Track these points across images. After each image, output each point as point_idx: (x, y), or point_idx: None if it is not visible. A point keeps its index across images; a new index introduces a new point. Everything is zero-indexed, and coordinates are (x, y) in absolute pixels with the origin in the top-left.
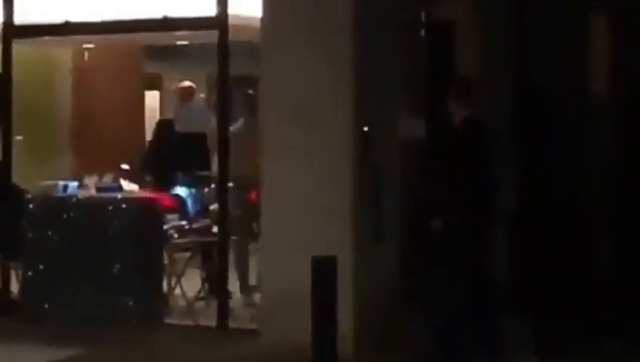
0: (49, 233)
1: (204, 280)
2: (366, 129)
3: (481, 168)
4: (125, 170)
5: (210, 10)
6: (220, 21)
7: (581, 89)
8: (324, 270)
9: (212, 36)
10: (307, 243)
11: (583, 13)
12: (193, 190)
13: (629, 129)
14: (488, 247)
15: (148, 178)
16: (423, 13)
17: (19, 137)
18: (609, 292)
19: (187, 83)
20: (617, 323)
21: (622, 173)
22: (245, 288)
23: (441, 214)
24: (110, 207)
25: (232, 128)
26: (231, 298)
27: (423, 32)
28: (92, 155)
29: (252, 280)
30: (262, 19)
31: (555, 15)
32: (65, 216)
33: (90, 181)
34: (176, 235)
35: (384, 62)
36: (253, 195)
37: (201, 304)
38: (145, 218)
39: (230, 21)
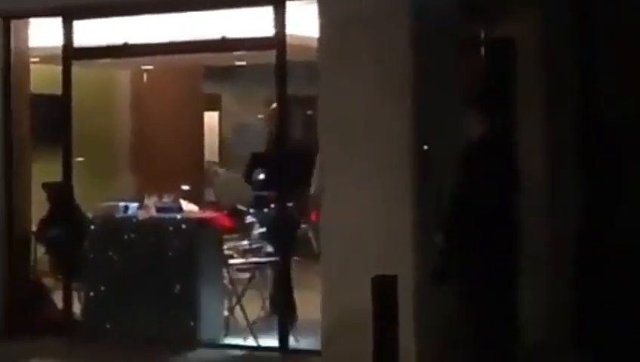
0: (110, 254)
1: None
2: (426, 148)
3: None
4: (185, 191)
5: (268, 30)
6: (278, 41)
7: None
8: (384, 290)
9: (270, 56)
10: (368, 264)
11: None
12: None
13: None
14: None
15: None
16: (482, 32)
17: (79, 158)
18: None
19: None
20: None
21: None
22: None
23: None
24: (170, 228)
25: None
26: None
27: (482, 51)
28: (152, 176)
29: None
30: (319, 40)
31: (621, 39)
32: (125, 236)
33: (150, 202)
34: (235, 255)
35: (443, 81)
36: (313, 215)
37: (262, 324)
38: (204, 238)
39: (288, 41)
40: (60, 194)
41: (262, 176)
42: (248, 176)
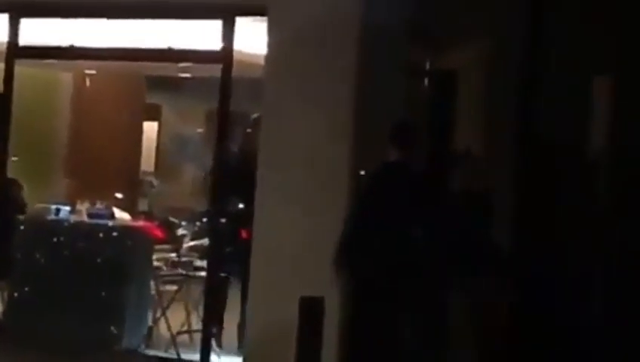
0: (38, 256)
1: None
2: (363, 173)
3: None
4: (119, 199)
5: (215, 44)
6: (225, 56)
7: (581, 146)
8: (311, 311)
9: (216, 70)
10: (295, 283)
11: (586, 73)
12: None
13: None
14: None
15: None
16: (427, 62)
17: (14, 158)
18: None
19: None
20: None
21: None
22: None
23: None
24: (101, 234)
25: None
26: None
27: (426, 81)
28: (86, 181)
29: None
30: (266, 57)
31: (560, 73)
32: (55, 239)
33: (83, 207)
34: (164, 267)
35: (385, 108)
36: (244, 233)
37: (185, 337)
38: (134, 247)
39: (235, 56)
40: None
41: None
42: None
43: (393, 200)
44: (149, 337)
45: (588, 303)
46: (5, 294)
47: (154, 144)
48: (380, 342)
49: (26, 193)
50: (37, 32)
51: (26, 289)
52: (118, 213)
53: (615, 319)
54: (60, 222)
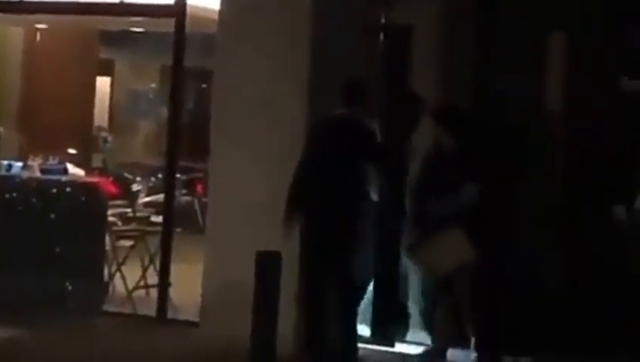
0: None
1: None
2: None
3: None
4: (72, 154)
5: None
6: (178, 10)
7: (536, 104)
8: (267, 265)
9: (169, 25)
10: (253, 239)
11: (543, 31)
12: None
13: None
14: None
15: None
16: (382, 17)
17: None
18: None
19: None
20: None
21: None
22: None
23: None
24: (54, 190)
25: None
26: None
27: (381, 36)
28: (38, 137)
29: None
30: (220, 12)
31: (516, 29)
32: (7, 196)
33: (35, 162)
34: (119, 223)
35: (341, 59)
36: (199, 188)
37: (141, 293)
38: (88, 202)
39: (188, 11)
40: None
41: None
42: None
43: (333, 153)
44: (105, 293)
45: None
46: None
47: (107, 99)
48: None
49: None
50: None
51: None
52: (72, 169)
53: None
54: (12, 178)
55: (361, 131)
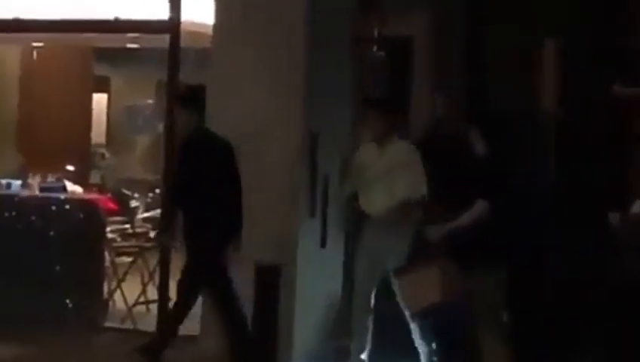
0: None
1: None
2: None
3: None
4: (70, 172)
5: (163, 14)
6: (173, 26)
7: (530, 112)
8: (266, 278)
9: (164, 41)
10: (253, 252)
11: (536, 38)
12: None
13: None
14: None
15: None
16: (375, 30)
17: None
18: None
19: None
20: None
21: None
22: None
23: None
24: (53, 207)
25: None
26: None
27: (375, 48)
28: (37, 155)
29: None
30: (214, 26)
31: (510, 36)
32: (6, 214)
33: (34, 181)
34: (119, 239)
35: (336, 75)
36: None
37: (141, 309)
38: (87, 219)
39: (183, 27)
40: None
41: None
42: None
43: None
44: (105, 309)
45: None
46: None
47: (104, 116)
48: None
49: None
50: None
51: None
52: (70, 186)
53: None
54: (11, 196)
55: None
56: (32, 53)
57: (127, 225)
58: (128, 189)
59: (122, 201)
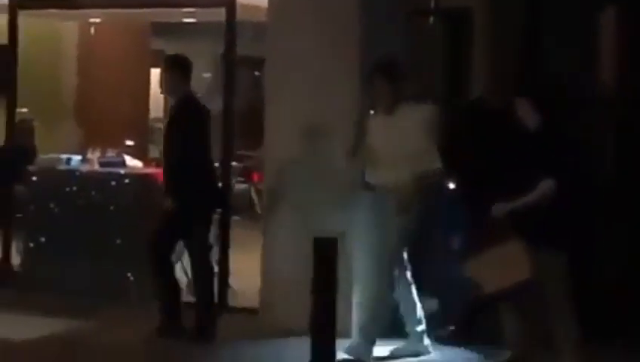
0: (51, 206)
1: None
2: (372, 112)
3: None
4: (129, 146)
5: None
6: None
7: (591, 84)
8: (325, 251)
9: (220, 15)
10: (311, 226)
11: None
12: None
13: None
14: None
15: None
16: (432, 1)
17: (23, 109)
18: None
19: None
20: None
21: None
22: None
23: None
24: (113, 182)
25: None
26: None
27: (431, 19)
28: (96, 130)
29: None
30: (269, 1)
31: (570, 7)
32: (67, 189)
33: (94, 156)
34: None
35: (391, 46)
36: (256, 176)
37: None
38: (147, 194)
39: (238, 0)
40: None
41: None
42: None
43: None
44: None
45: None
46: (21, 244)
47: None
48: None
49: (37, 142)
50: None
51: (42, 239)
52: (130, 161)
53: None
54: (72, 171)
55: None
56: (89, 30)
57: None
58: None
59: None
